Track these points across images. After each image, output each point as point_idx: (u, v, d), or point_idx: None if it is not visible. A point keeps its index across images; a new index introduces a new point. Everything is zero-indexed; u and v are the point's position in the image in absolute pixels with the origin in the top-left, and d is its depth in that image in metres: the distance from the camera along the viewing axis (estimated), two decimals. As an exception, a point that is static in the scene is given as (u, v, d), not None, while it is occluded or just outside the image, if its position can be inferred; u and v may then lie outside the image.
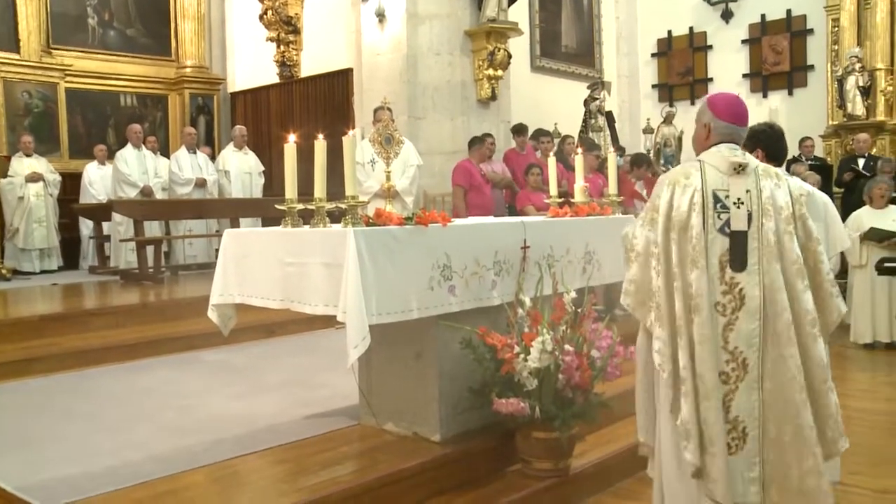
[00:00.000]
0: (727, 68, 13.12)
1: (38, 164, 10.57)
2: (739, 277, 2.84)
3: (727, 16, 13.10)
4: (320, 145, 3.45)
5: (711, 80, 13.36)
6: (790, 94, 12.64)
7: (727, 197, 2.88)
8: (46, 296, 8.09)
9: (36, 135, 10.91)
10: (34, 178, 10.39)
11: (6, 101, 11.12)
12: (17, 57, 11.26)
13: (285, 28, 12.12)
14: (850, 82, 11.19)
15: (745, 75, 13.01)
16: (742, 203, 2.88)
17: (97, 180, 10.93)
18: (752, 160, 3.01)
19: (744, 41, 13.02)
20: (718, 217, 2.86)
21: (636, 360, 3.15)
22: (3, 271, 9.55)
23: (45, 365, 5.51)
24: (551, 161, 5.00)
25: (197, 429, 4.13)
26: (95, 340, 6.09)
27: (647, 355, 3.00)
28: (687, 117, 12.63)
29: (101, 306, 7.20)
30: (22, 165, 10.43)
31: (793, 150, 10.57)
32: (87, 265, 10.92)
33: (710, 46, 13.37)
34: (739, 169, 2.92)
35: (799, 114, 12.21)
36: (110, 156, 11.01)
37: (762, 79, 12.82)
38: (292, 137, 3.60)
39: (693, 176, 2.91)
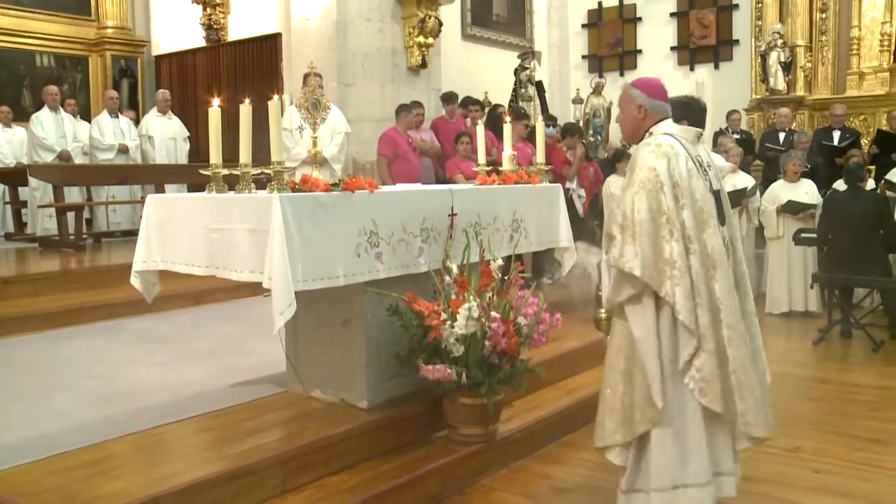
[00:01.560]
0: (656, 41, 13.31)
1: (-56, 125, 10.10)
2: (725, 230, 3.14)
3: (657, -12, 13.27)
4: (245, 110, 3.40)
5: (640, 51, 13.54)
6: (716, 67, 12.90)
7: (703, 162, 3.17)
8: (-41, 264, 7.80)
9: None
10: (-60, 139, 9.95)
11: None
12: (-85, 9, 10.68)
13: (212, -10, 11.79)
14: (773, 58, 11.49)
15: (672, 48, 13.22)
16: (710, 166, 3.22)
17: (2, 143, 10.50)
18: None
19: (672, 14, 13.21)
20: (705, 179, 3.12)
21: (615, 348, 3.13)
22: (-89, 240, 9.17)
23: (-41, 334, 5.34)
24: (479, 129, 5.01)
25: (120, 398, 4.07)
26: (13, 309, 5.90)
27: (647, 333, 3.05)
28: (616, 88, 12.84)
29: (18, 274, 6.97)
30: (-76, 126, 9.96)
31: (719, 123, 10.84)
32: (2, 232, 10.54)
33: (640, 18, 13.53)
34: (700, 137, 3.27)
35: (724, 87, 12.48)
36: (17, 117, 10.58)
37: (689, 52, 13.05)
38: (216, 101, 3.53)
39: (676, 146, 3.08)
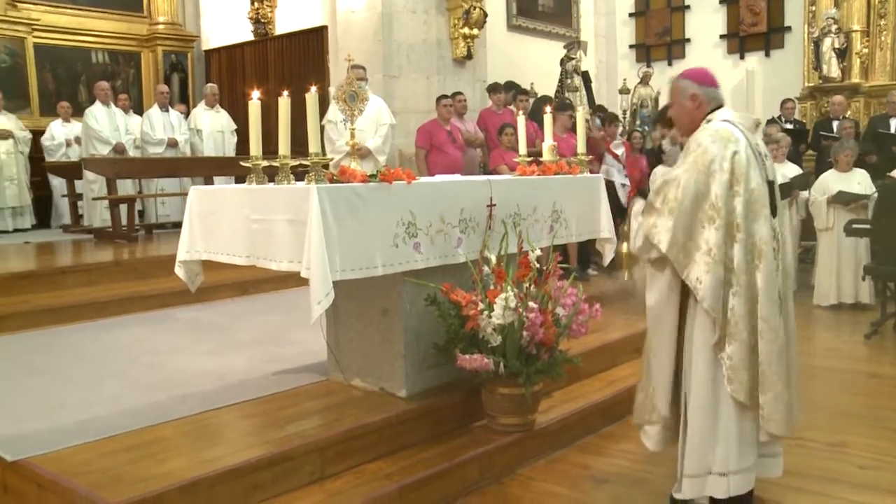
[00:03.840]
0: (704, 29, 13.11)
1: (7, 121, 10.43)
2: (776, 223, 3.09)
3: (706, -25, 13.07)
4: (284, 102, 3.44)
5: (689, 40, 13.36)
6: (767, 55, 12.66)
7: (761, 151, 3.13)
8: (19, 254, 8.04)
9: (4, 91, 10.72)
10: (3, 135, 10.26)
11: (-29, 56, 10.94)
12: (-19, 10, 11.05)
13: (259, -16, 11.95)
14: (826, 44, 11.23)
15: (722, 36, 13.01)
16: (767, 156, 3.18)
17: (61, 137, 10.81)
18: None
19: (721, 1, 13.00)
20: (762, 168, 3.08)
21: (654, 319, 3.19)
22: (-26, 230, 9.49)
23: (17, 322, 5.51)
24: (520, 120, 5.00)
25: (167, 384, 4.18)
26: (68, 298, 6.08)
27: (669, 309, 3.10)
28: (663, 78, 12.69)
29: (74, 264, 7.17)
30: (-10, 122, 10.30)
31: (771, 112, 10.65)
32: (58, 224, 10.84)
33: (688, 7, 13.34)
34: (758, 126, 3.24)
35: (775, 75, 12.25)
36: (74, 113, 10.87)
37: (739, 40, 12.83)
38: (256, 94, 3.59)
39: (735, 133, 3.05)
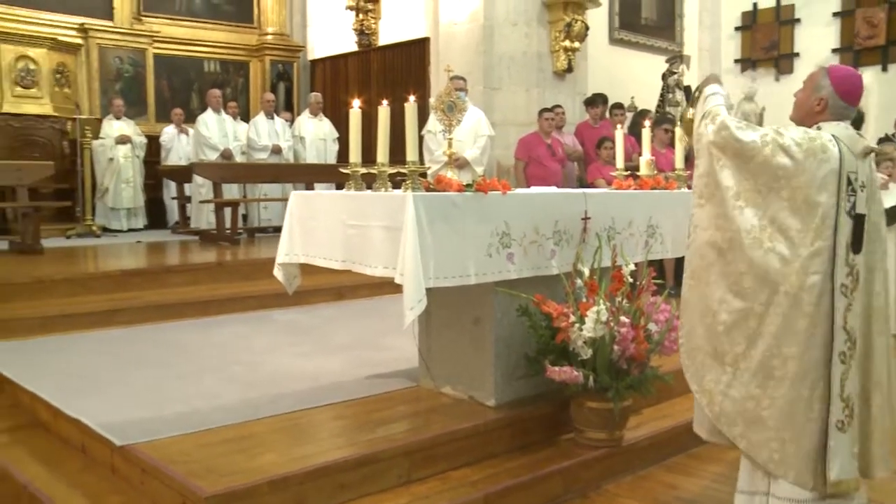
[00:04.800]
0: (815, 42, 12.66)
1: (126, 126, 11.02)
2: (857, 259, 2.87)
3: (819, -13, 12.64)
4: (384, 112, 3.53)
5: (798, 54, 12.93)
6: (884, 69, 12.11)
7: (856, 179, 2.88)
8: (131, 253, 8.45)
9: (125, 98, 11.36)
10: (123, 140, 10.84)
11: (100, 67, 11.60)
12: (110, 24, 11.75)
13: (364, -4, 12.24)
14: (950, 59, 10.70)
15: (834, 50, 12.53)
16: (865, 186, 2.91)
17: (171, 142, 11.32)
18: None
19: (835, 14, 12.53)
20: (848, 200, 2.86)
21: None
22: (94, 228, 10.03)
23: (127, 317, 5.81)
24: (619, 133, 4.97)
25: (263, 383, 4.31)
26: (173, 296, 6.36)
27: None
28: (769, 93, 12.33)
29: (180, 264, 7.49)
30: (112, 128, 10.90)
31: (885, 129, 10.22)
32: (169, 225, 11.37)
33: (798, 20, 12.92)
34: (868, 152, 2.95)
35: (892, 91, 11.73)
36: (187, 119, 11.39)
37: (853, 53, 12.32)
38: (356, 103, 3.69)
39: (830, 152, 2.85)
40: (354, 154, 3.70)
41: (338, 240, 3.75)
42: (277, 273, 4.18)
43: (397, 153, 3.66)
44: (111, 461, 3.43)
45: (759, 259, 2.85)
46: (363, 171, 3.69)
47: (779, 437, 2.86)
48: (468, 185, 3.60)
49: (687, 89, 11.31)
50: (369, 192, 3.68)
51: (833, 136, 2.93)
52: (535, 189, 4.58)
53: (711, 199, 2.99)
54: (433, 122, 7.84)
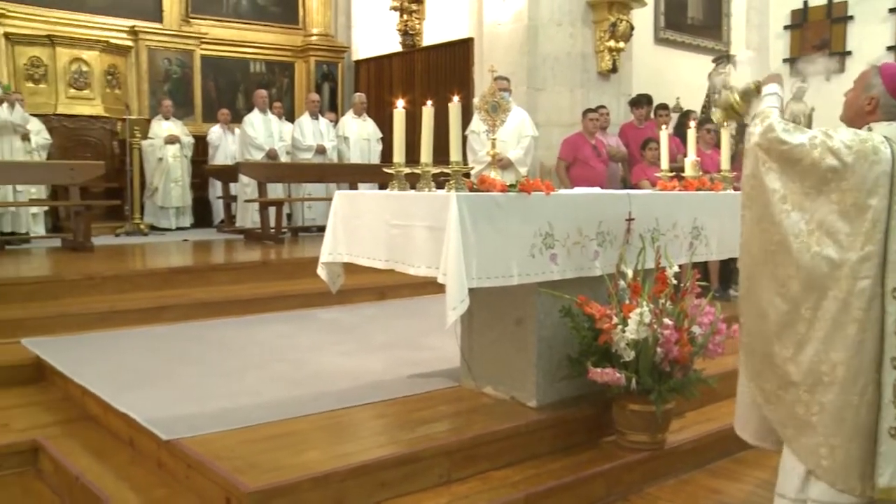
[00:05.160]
0: (869, 40, 12.38)
1: (175, 126, 11.22)
2: None
3: (874, -18, 12.38)
4: (428, 112, 3.54)
5: (850, 53, 12.68)
6: (939, 69, 11.84)
7: None
8: (178, 251, 8.60)
9: (173, 99, 11.56)
10: (172, 140, 11.04)
11: (149, 68, 11.84)
12: (159, 26, 11.99)
13: (409, -3, 12.29)
14: None
15: (889, 48, 12.25)
16: None
17: (218, 142, 11.50)
18: None
19: (891, 10, 12.23)
20: None
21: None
22: (142, 227, 10.22)
23: (174, 314, 5.91)
24: (663, 134, 4.93)
25: (306, 381, 4.35)
26: (218, 294, 6.46)
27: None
28: (819, 93, 12.11)
29: (225, 262, 7.59)
30: (161, 128, 11.12)
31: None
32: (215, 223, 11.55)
33: (851, 17, 12.68)
34: None
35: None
36: (233, 119, 11.56)
37: (909, 51, 12.08)
38: (401, 103, 3.70)
39: (882, 154, 2.78)
40: (398, 154, 3.72)
41: (381, 239, 3.77)
42: (321, 272, 4.21)
43: (440, 153, 3.68)
44: (158, 455, 3.49)
45: (807, 263, 2.80)
46: (407, 170, 3.70)
47: (828, 444, 2.82)
48: (511, 186, 3.60)
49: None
50: (413, 191, 3.70)
51: (885, 137, 2.86)
52: (577, 189, 4.56)
53: (758, 201, 2.95)
54: (477, 123, 7.83)
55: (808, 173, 2.83)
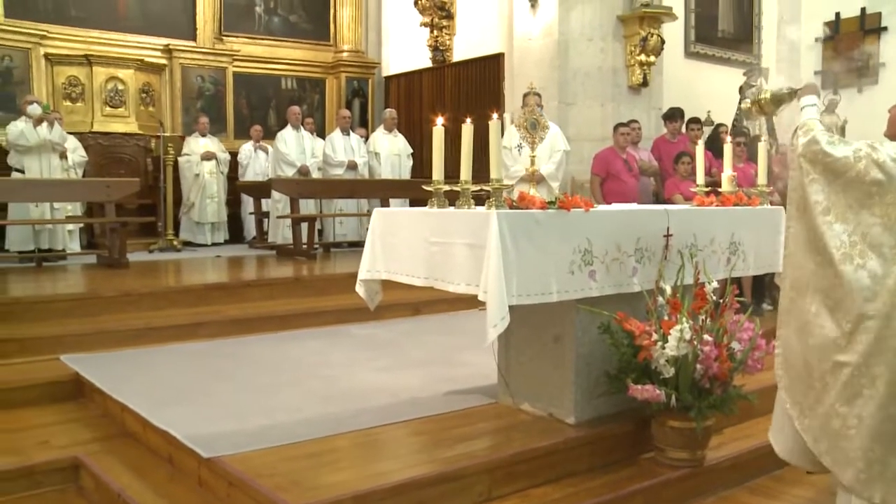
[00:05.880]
0: (904, 52, 12.28)
1: (211, 143, 11.36)
2: None
3: (909, -6, 12.26)
4: (468, 129, 3.55)
5: (884, 64, 12.55)
6: (976, 80, 11.71)
7: None
8: (211, 267, 8.68)
9: (206, 116, 11.69)
10: (208, 156, 11.17)
11: (183, 86, 12.01)
12: (193, 44, 12.18)
13: (439, 13, 12.33)
14: None
15: (922, 60, 12.15)
16: None
17: (248, 159, 11.62)
18: None
19: (926, 21, 12.14)
20: None
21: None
22: (175, 243, 10.33)
23: (209, 330, 5.96)
24: (699, 149, 4.91)
25: (342, 397, 4.36)
26: (252, 310, 6.50)
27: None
28: (852, 106, 11.99)
29: (258, 278, 7.64)
30: (198, 144, 11.27)
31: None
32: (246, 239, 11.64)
33: (885, 28, 12.54)
34: None
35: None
36: (265, 136, 11.67)
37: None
38: (440, 120, 3.72)
39: None
40: (437, 171, 3.73)
41: (420, 256, 3.78)
42: (359, 289, 4.22)
43: (473, 170, 3.68)
44: (198, 473, 3.51)
45: (850, 275, 2.79)
46: (446, 188, 3.71)
47: (865, 458, 2.79)
48: (551, 203, 3.59)
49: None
50: (452, 209, 3.70)
51: None
52: (615, 206, 4.55)
53: (803, 212, 2.94)
54: (508, 138, 7.85)
55: (851, 186, 2.82)
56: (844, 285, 2.81)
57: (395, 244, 3.99)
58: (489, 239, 3.34)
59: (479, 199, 3.66)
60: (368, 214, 10.59)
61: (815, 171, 2.91)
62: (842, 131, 11.63)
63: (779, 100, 3.46)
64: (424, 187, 3.80)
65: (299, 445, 3.57)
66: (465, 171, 3.61)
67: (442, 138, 3.78)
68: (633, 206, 4.57)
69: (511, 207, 3.53)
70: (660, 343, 3.59)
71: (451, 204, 3.80)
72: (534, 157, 3.84)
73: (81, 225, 9.65)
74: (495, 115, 3.53)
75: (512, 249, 3.38)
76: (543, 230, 3.53)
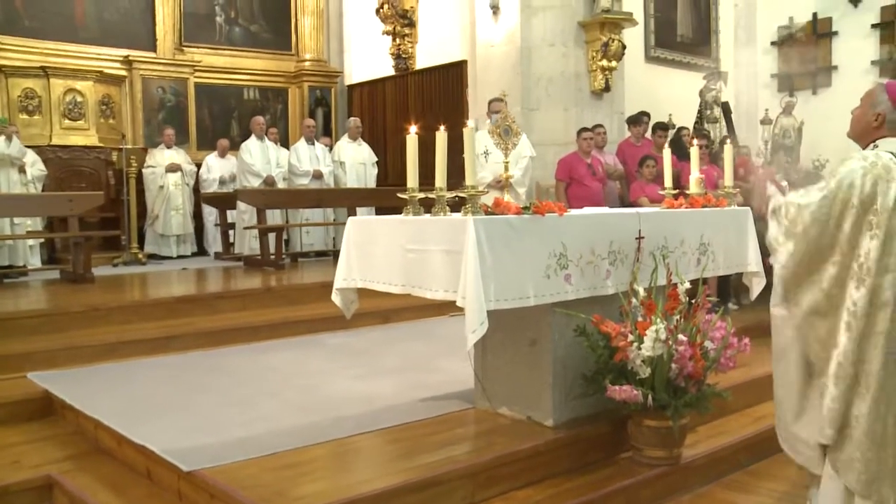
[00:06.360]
0: (854, 55, 12.56)
1: (177, 155, 11.25)
2: None
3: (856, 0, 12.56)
4: (442, 137, 3.59)
5: (836, 68, 12.85)
6: (924, 81, 11.99)
7: None
8: (179, 279, 8.59)
9: (171, 128, 11.57)
10: (173, 168, 11.06)
11: (143, 97, 11.87)
12: (153, 55, 12.05)
13: (401, 21, 12.36)
14: None
15: (873, 62, 12.43)
16: None
17: (216, 169, 11.52)
18: None
19: (874, 25, 12.44)
20: None
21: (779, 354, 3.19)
22: (140, 256, 10.21)
23: (182, 343, 5.90)
24: (666, 153, 5.00)
25: (320, 407, 4.35)
26: (223, 322, 6.45)
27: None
28: (808, 107, 12.24)
29: (229, 290, 7.58)
30: (163, 156, 11.17)
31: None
32: (212, 251, 11.52)
33: (836, 33, 12.85)
34: None
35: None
36: (232, 148, 11.60)
37: (894, 65, 12.21)
38: (413, 129, 3.73)
39: (894, 171, 2.88)
40: (412, 178, 3.75)
41: (397, 264, 3.79)
42: (335, 298, 4.22)
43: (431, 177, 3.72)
44: (178, 487, 3.48)
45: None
46: (421, 195, 3.73)
47: (864, 458, 2.86)
48: (525, 208, 3.64)
49: (725, 105, 11.32)
50: (428, 216, 3.73)
51: (892, 153, 2.95)
52: (588, 210, 4.61)
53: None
54: (476, 145, 7.89)
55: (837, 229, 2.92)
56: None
57: (371, 252, 4.00)
58: (466, 245, 3.37)
59: (453, 206, 3.69)
60: (335, 224, 10.66)
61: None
62: (799, 132, 11.89)
63: None
64: (399, 195, 3.82)
65: (280, 456, 3.55)
66: (440, 178, 3.65)
67: (416, 146, 3.80)
68: (606, 209, 4.62)
69: (487, 213, 3.56)
70: (635, 344, 3.65)
71: (427, 211, 3.82)
72: (507, 162, 3.88)
73: (42, 240, 9.50)
74: (470, 122, 3.57)
75: (489, 255, 3.41)
76: (519, 235, 3.57)
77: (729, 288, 7.70)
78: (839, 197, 2.90)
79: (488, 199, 3.71)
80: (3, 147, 8.59)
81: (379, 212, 9.55)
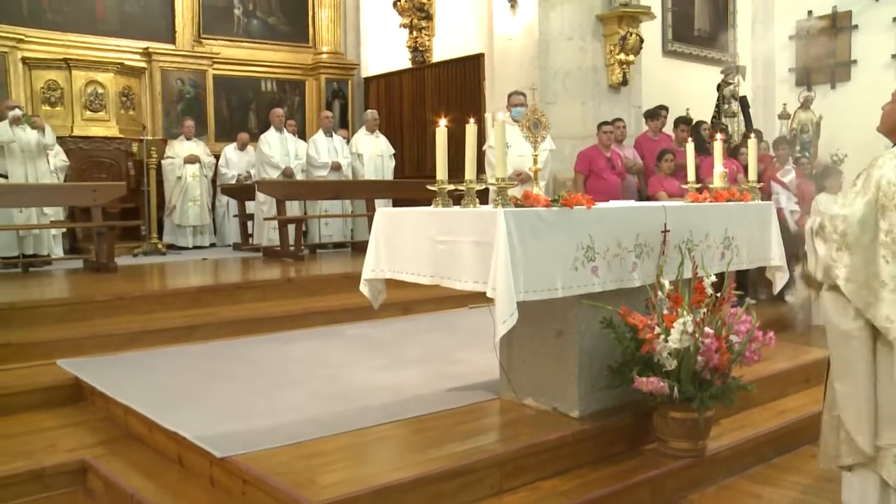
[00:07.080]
0: (874, 49, 12.49)
1: (196, 146, 11.34)
2: None
3: (878, -8, 12.49)
4: (472, 129, 3.61)
5: (855, 62, 12.80)
6: (946, 75, 11.94)
7: None
8: (199, 270, 8.66)
9: (190, 119, 11.66)
10: (192, 159, 11.14)
11: (163, 89, 11.96)
12: (172, 47, 12.15)
13: (418, 14, 12.38)
14: None
15: (894, 56, 12.37)
16: None
17: (234, 162, 11.61)
18: None
19: (895, 19, 12.37)
20: None
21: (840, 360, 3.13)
22: (160, 246, 10.29)
23: (205, 332, 5.97)
24: (689, 147, 5.01)
25: (345, 396, 4.39)
26: (245, 312, 6.50)
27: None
28: (826, 102, 12.19)
29: (248, 280, 7.64)
30: (182, 147, 11.26)
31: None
32: (223, 242, 11.63)
33: (856, 26, 12.78)
34: None
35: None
36: (251, 141, 11.68)
37: (915, 59, 12.16)
38: (443, 122, 3.76)
39: None
40: (441, 171, 3.79)
41: (426, 255, 3.83)
42: (363, 288, 4.26)
43: (457, 170, 3.74)
44: (210, 473, 3.54)
45: None
46: (450, 187, 3.77)
47: None
48: (554, 201, 3.67)
49: (742, 99, 11.29)
50: (457, 208, 3.76)
51: None
52: (615, 203, 4.64)
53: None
54: (493, 137, 7.92)
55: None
56: None
57: (400, 244, 4.03)
58: (497, 237, 3.41)
59: (480, 198, 3.72)
60: (353, 215, 10.72)
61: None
62: (818, 126, 11.85)
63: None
64: (429, 187, 3.85)
65: (308, 444, 3.60)
66: (470, 170, 3.68)
67: (445, 139, 3.84)
68: (632, 203, 4.65)
69: (516, 206, 3.59)
70: (662, 336, 3.68)
71: (456, 203, 3.85)
72: (536, 155, 3.91)
73: (64, 230, 9.59)
74: (500, 115, 3.60)
75: (518, 247, 3.45)
76: (548, 227, 3.60)
77: (747, 282, 7.71)
78: (878, 200, 2.92)
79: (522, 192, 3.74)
80: (39, 138, 8.68)
81: (396, 203, 9.58)
